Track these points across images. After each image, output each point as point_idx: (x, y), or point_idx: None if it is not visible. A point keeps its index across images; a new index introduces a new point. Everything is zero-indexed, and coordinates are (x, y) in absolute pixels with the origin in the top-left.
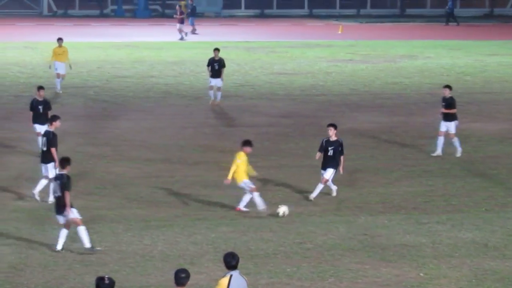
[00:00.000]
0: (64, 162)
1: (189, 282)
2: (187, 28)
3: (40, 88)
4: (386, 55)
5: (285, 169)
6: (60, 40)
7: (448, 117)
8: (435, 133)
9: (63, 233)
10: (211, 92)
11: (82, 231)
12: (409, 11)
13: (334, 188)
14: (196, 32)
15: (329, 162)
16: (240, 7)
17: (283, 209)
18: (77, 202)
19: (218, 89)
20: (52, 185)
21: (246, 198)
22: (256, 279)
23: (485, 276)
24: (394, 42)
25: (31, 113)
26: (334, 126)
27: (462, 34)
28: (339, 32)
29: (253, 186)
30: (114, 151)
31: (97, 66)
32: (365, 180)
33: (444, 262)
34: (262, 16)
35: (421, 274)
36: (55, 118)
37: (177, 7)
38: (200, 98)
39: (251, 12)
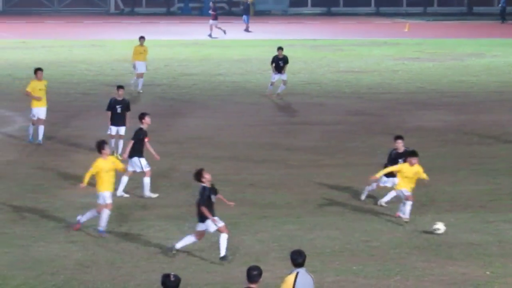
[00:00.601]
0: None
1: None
2: (225, 26)
3: (120, 87)
4: (453, 53)
5: (352, 167)
6: (141, 38)
7: None
8: (502, 131)
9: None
10: (271, 87)
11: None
12: (476, 9)
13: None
14: (250, 30)
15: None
16: (306, 5)
17: (441, 227)
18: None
19: (284, 82)
20: (144, 181)
21: (405, 208)
22: (322, 276)
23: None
24: (461, 40)
25: (108, 113)
26: (402, 138)
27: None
28: (406, 30)
29: (408, 194)
30: (181, 148)
31: (164, 64)
32: (431, 179)
33: (511, 260)
34: (328, 14)
35: (488, 273)
36: (144, 115)
37: (211, 3)
38: (266, 96)
39: (317, 10)
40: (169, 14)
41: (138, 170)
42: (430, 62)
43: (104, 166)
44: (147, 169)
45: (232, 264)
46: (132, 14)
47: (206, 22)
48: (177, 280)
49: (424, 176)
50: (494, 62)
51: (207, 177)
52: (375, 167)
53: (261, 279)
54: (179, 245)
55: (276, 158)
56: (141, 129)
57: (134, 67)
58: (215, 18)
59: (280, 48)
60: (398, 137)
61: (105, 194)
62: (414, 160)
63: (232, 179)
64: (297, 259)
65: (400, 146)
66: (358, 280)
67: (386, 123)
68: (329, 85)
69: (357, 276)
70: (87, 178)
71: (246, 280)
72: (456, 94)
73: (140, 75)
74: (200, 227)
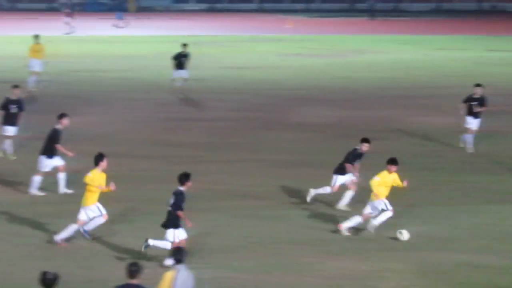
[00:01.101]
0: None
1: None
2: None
3: (15, 86)
4: (334, 49)
5: (233, 163)
6: (36, 36)
7: (476, 114)
8: (382, 127)
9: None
10: (174, 82)
11: None
12: (359, 5)
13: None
14: (122, 26)
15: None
16: (189, 1)
17: (405, 235)
18: None
19: (185, 79)
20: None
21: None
22: (202, 273)
23: (429, 268)
24: (343, 36)
25: (1, 112)
26: (369, 142)
27: (411, 29)
28: (289, 27)
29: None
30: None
31: (46, 60)
32: (312, 174)
33: (389, 255)
34: (211, 10)
35: (367, 267)
36: (62, 116)
37: (66, 1)
38: (149, 92)
39: (201, 6)
40: (51, 10)
41: (48, 169)
42: (312, 58)
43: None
44: (60, 164)
45: (111, 261)
46: (12, 10)
47: (87, 18)
48: (55, 277)
49: (400, 183)
50: (375, 59)
51: (189, 184)
52: (256, 163)
53: (141, 275)
54: (153, 242)
55: (158, 154)
56: (57, 129)
57: (31, 65)
58: (69, 15)
59: (184, 45)
60: (366, 141)
61: (94, 207)
62: (393, 168)
63: (113, 175)
64: (177, 256)
65: (365, 149)
66: (238, 276)
67: (268, 119)
68: (212, 81)
69: (237, 272)
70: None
71: (127, 277)
72: (337, 90)
73: (36, 73)
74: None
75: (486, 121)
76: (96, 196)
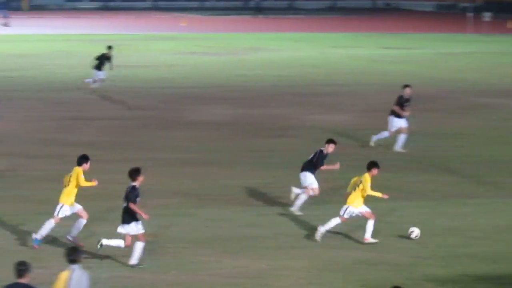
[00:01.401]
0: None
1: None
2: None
3: None
4: (230, 47)
5: (129, 162)
6: None
7: (400, 115)
8: (278, 125)
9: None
10: (94, 83)
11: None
12: (253, 3)
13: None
14: (9, 25)
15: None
16: None
17: (416, 232)
18: None
19: (102, 80)
20: None
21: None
22: (98, 273)
23: (325, 266)
24: (238, 34)
25: None
26: (335, 143)
27: (306, 27)
28: (184, 25)
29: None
30: None
31: None
32: (208, 173)
33: (285, 253)
34: (105, 8)
35: (263, 266)
36: None
37: None
38: (42, 91)
39: (94, 4)
40: None
41: None
42: (207, 56)
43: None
44: None
45: (7, 261)
46: None
47: None
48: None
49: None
50: (270, 56)
51: (141, 179)
52: (153, 162)
53: (30, 274)
54: (106, 242)
55: (52, 153)
56: None
57: None
58: None
59: (109, 47)
60: (332, 142)
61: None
62: (376, 171)
63: (7, 175)
64: (71, 256)
65: (331, 150)
66: (134, 276)
67: (163, 118)
68: (106, 80)
69: (133, 272)
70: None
71: (15, 276)
72: (232, 88)
73: None
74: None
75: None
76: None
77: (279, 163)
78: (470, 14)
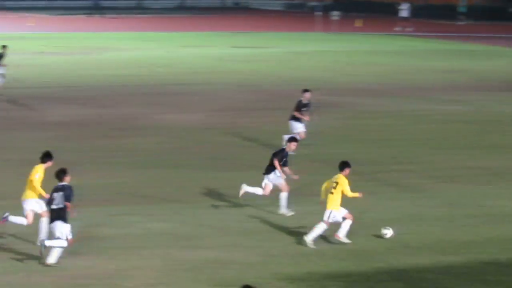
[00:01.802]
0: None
1: None
2: None
3: None
4: (78, 47)
5: None
6: None
7: (300, 119)
8: (127, 125)
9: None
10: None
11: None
12: (103, 3)
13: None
14: None
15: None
16: None
17: (390, 232)
18: None
19: (2, 75)
20: None
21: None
22: None
23: (175, 266)
24: (87, 34)
25: None
26: (297, 140)
27: (155, 26)
28: (31, 24)
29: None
30: None
31: None
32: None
33: (135, 253)
34: None
35: (113, 266)
36: None
37: None
38: None
39: None
40: None
41: None
42: (55, 56)
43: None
44: None
45: None
46: None
47: None
48: None
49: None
50: (119, 56)
51: (68, 178)
52: (2, 163)
53: None
54: (49, 243)
55: None
56: None
57: None
58: None
59: (4, 46)
60: (294, 140)
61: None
62: (349, 170)
63: None
64: None
65: (293, 147)
66: None
67: (10, 118)
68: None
69: None
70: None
71: None
72: (81, 88)
73: None
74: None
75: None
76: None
77: (127, 162)
78: (318, 13)
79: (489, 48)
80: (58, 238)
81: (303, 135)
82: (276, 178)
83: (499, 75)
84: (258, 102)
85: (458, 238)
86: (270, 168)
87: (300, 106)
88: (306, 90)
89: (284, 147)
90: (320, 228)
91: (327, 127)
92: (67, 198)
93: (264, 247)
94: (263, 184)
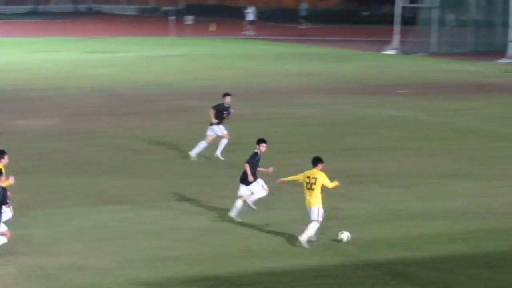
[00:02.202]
0: None
1: None
2: None
3: None
4: None
5: None
6: None
7: (221, 122)
8: None
9: None
10: None
11: None
12: None
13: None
14: None
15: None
16: None
17: (346, 235)
18: None
19: None
20: None
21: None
22: None
23: (30, 273)
24: None
25: None
26: (266, 142)
27: (6, 31)
28: None
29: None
30: None
31: None
32: None
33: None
34: None
35: None
36: None
37: None
38: None
39: None
40: None
41: None
42: None
43: None
44: None
45: None
46: None
47: None
48: None
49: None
50: None
51: (3, 178)
52: None
53: None
54: None
55: None
56: None
57: None
58: None
59: None
60: (263, 141)
61: None
62: (322, 165)
63: None
64: None
65: (263, 149)
66: None
67: None
68: None
69: None
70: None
71: None
72: None
73: None
74: None
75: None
76: None
77: None
78: (172, 18)
79: (343, 51)
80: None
81: (226, 137)
82: (256, 184)
83: (353, 78)
84: (112, 106)
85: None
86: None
87: (221, 110)
88: (226, 94)
89: (256, 150)
90: (313, 228)
91: (182, 131)
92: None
93: (121, 252)
94: (250, 191)
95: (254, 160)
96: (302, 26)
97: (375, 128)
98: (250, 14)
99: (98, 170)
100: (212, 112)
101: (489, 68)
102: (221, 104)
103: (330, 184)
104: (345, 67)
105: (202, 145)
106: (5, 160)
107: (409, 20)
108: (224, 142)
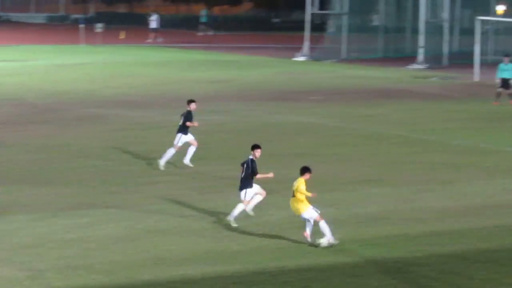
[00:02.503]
0: None
1: None
2: None
3: None
4: None
5: None
6: None
7: (186, 130)
8: None
9: None
10: None
11: None
12: None
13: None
14: None
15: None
16: None
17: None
18: None
19: None
20: None
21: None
22: None
23: None
24: None
25: None
26: (260, 147)
27: None
28: None
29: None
30: None
31: None
32: None
33: None
34: None
35: None
36: None
37: None
38: None
39: None
40: None
41: None
42: None
43: None
44: None
45: None
46: None
47: None
48: None
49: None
50: None
51: None
52: None
53: None
54: None
55: None
56: None
57: None
58: None
59: None
60: (258, 147)
61: None
62: (309, 175)
63: None
64: None
65: (258, 154)
66: None
67: None
68: None
69: None
70: None
71: None
72: None
73: None
74: None
75: None
76: None
77: None
78: (82, 25)
79: (254, 58)
80: None
81: (194, 143)
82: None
83: (264, 84)
84: (22, 115)
85: (227, 249)
86: (248, 182)
87: (190, 117)
88: (191, 101)
89: (250, 156)
90: (325, 229)
91: (93, 139)
92: None
93: (32, 262)
94: (249, 197)
95: (254, 166)
96: (201, 33)
97: (286, 135)
98: (153, 21)
99: (9, 179)
100: (188, 122)
101: (399, 74)
102: (190, 112)
103: (303, 192)
104: (256, 74)
105: (170, 152)
106: None
107: (319, 26)
108: (192, 149)
